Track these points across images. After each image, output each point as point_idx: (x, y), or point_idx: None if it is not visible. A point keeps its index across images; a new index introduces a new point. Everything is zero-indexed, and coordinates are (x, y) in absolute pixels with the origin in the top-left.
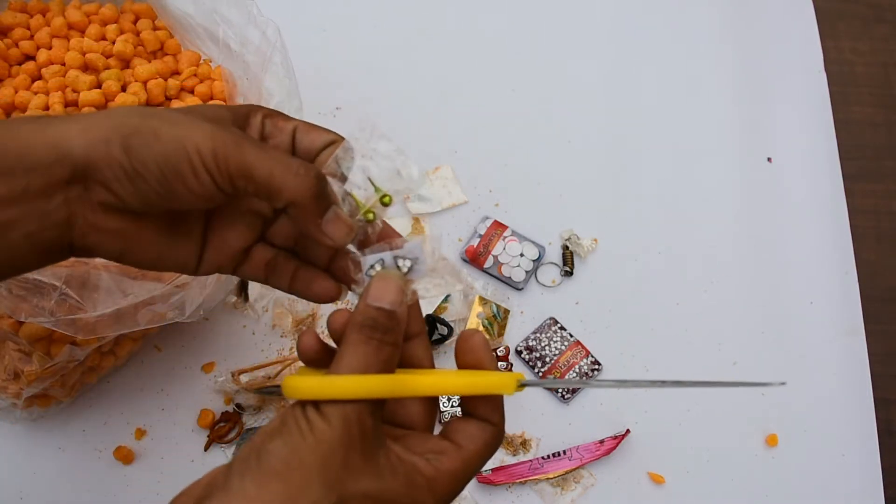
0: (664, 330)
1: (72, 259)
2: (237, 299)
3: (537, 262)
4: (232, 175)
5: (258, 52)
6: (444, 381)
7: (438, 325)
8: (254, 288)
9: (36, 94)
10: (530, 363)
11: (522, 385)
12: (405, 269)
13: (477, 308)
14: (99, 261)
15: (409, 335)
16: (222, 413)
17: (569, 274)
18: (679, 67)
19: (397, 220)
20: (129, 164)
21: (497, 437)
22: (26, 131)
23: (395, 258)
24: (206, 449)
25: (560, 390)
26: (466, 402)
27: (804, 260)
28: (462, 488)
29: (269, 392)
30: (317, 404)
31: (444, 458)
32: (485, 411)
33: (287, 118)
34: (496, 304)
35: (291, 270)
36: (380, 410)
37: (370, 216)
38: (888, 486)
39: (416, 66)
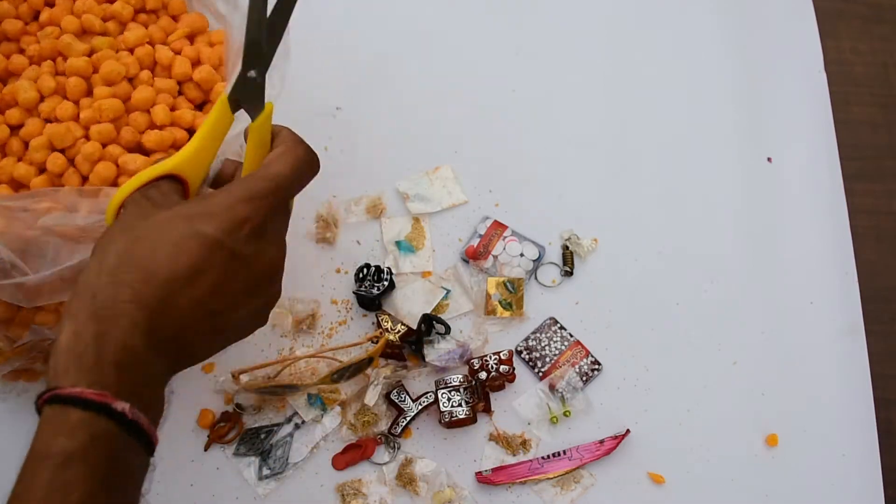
0: (664, 330)
1: (18, 224)
2: None
3: (537, 262)
4: None
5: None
6: (184, 150)
7: (436, 323)
8: None
9: (31, 60)
10: (530, 363)
11: (235, 94)
12: None
13: (492, 291)
14: (44, 222)
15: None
16: (222, 413)
17: (569, 274)
18: (679, 68)
19: (398, 218)
20: None
21: (289, 149)
22: None
23: None
24: (206, 449)
25: (560, 390)
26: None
27: (804, 260)
28: (268, 186)
29: (270, 392)
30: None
31: (240, 177)
32: (275, 143)
33: None
34: (507, 280)
35: None
36: (165, 187)
37: None
38: (888, 485)
39: (416, 66)
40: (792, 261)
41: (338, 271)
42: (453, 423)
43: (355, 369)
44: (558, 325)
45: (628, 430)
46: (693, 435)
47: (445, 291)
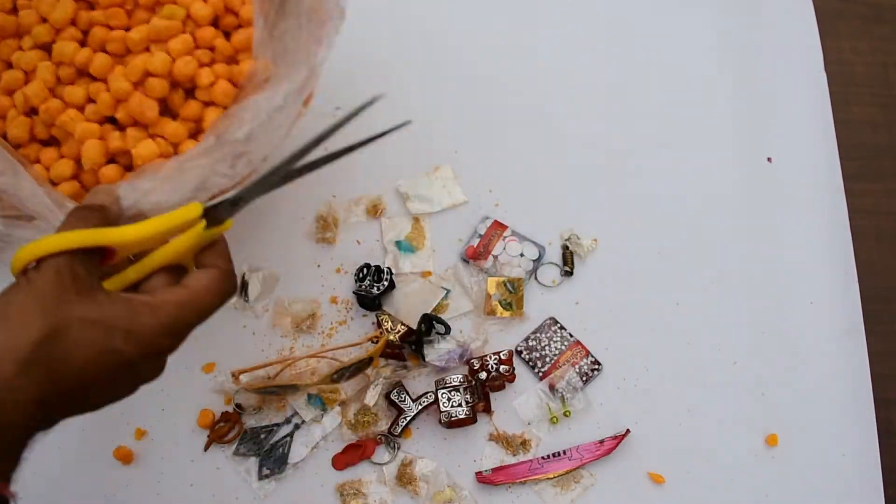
0: (664, 330)
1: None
2: (237, 299)
3: (537, 262)
4: None
5: None
6: (137, 227)
7: (436, 323)
8: (254, 288)
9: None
10: (530, 363)
11: (209, 208)
12: None
13: (492, 291)
14: None
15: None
16: (222, 413)
17: (569, 274)
18: (679, 67)
19: (398, 218)
20: None
21: (225, 277)
22: None
23: None
24: (205, 449)
25: (560, 390)
26: (196, 261)
27: (804, 260)
28: (192, 319)
29: (270, 392)
30: (37, 265)
31: (168, 293)
32: (210, 259)
33: None
34: (507, 280)
35: None
36: (90, 262)
37: None
38: (888, 485)
39: (416, 67)
40: (792, 261)
41: (338, 271)
42: (453, 423)
43: (355, 369)
44: (558, 325)
45: (628, 430)
46: (693, 435)
47: (445, 291)
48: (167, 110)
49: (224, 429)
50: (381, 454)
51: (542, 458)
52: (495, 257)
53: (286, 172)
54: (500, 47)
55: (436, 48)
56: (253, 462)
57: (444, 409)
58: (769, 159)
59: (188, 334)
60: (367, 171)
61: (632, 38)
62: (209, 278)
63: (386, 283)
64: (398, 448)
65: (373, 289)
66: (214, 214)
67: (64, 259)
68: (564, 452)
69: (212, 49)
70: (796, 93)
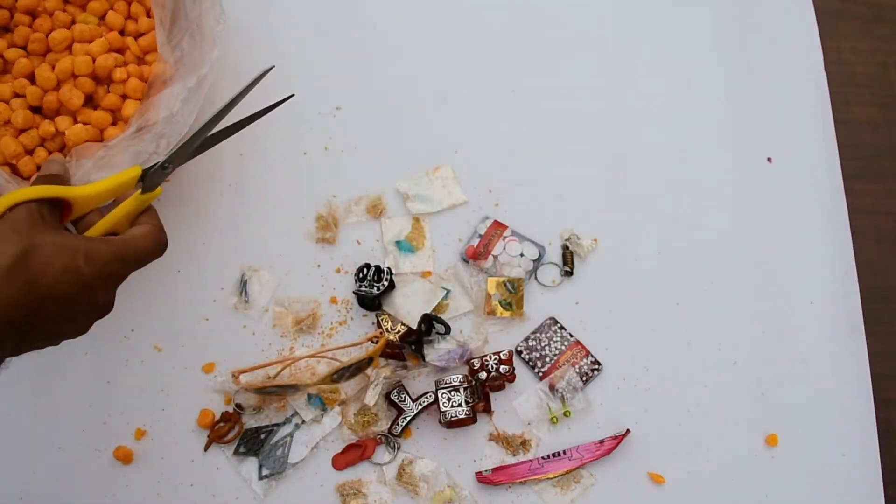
0: (664, 330)
1: None
2: (237, 299)
3: (537, 262)
4: None
5: None
6: (90, 185)
7: (436, 323)
8: (254, 288)
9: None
10: (530, 363)
11: (146, 171)
12: None
13: (492, 291)
14: None
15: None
16: (222, 413)
17: (569, 274)
18: (679, 67)
19: (398, 218)
20: None
21: (157, 231)
22: None
23: None
24: (205, 449)
25: (560, 390)
26: (132, 224)
27: (804, 260)
28: (136, 255)
29: (270, 392)
30: (11, 209)
31: (114, 237)
32: (144, 220)
33: None
34: (507, 280)
35: None
36: (53, 211)
37: None
38: (888, 485)
39: (417, 66)
40: (792, 261)
41: (338, 271)
42: (453, 423)
43: (355, 369)
44: (558, 325)
45: (628, 430)
46: (693, 435)
47: (445, 291)
48: (89, 102)
49: (224, 429)
50: (381, 454)
51: (542, 458)
52: (495, 257)
53: (202, 140)
54: (499, 47)
55: (436, 48)
56: (253, 462)
57: (444, 409)
58: (769, 159)
59: (133, 269)
60: (367, 171)
61: (631, 38)
62: (145, 229)
63: (386, 283)
64: (398, 448)
65: (373, 289)
66: (149, 181)
67: (34, 204)
68: (564, 452)
69: (121, 51)
70: (796, 93)
